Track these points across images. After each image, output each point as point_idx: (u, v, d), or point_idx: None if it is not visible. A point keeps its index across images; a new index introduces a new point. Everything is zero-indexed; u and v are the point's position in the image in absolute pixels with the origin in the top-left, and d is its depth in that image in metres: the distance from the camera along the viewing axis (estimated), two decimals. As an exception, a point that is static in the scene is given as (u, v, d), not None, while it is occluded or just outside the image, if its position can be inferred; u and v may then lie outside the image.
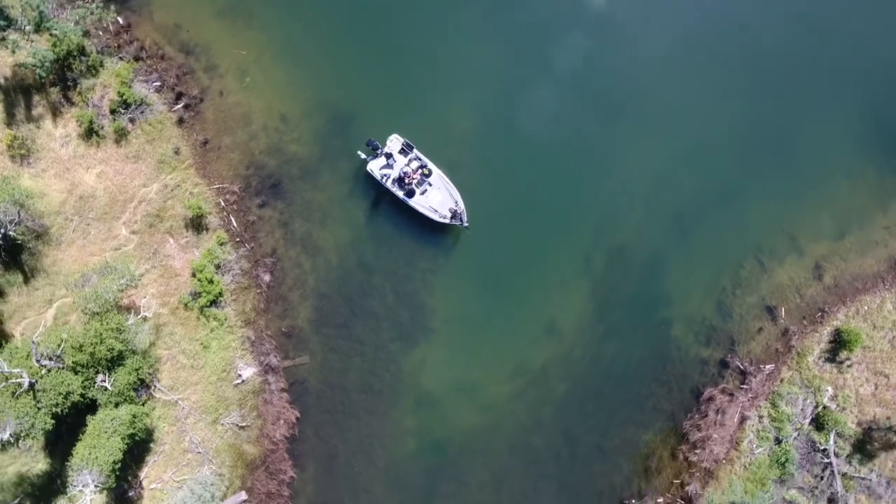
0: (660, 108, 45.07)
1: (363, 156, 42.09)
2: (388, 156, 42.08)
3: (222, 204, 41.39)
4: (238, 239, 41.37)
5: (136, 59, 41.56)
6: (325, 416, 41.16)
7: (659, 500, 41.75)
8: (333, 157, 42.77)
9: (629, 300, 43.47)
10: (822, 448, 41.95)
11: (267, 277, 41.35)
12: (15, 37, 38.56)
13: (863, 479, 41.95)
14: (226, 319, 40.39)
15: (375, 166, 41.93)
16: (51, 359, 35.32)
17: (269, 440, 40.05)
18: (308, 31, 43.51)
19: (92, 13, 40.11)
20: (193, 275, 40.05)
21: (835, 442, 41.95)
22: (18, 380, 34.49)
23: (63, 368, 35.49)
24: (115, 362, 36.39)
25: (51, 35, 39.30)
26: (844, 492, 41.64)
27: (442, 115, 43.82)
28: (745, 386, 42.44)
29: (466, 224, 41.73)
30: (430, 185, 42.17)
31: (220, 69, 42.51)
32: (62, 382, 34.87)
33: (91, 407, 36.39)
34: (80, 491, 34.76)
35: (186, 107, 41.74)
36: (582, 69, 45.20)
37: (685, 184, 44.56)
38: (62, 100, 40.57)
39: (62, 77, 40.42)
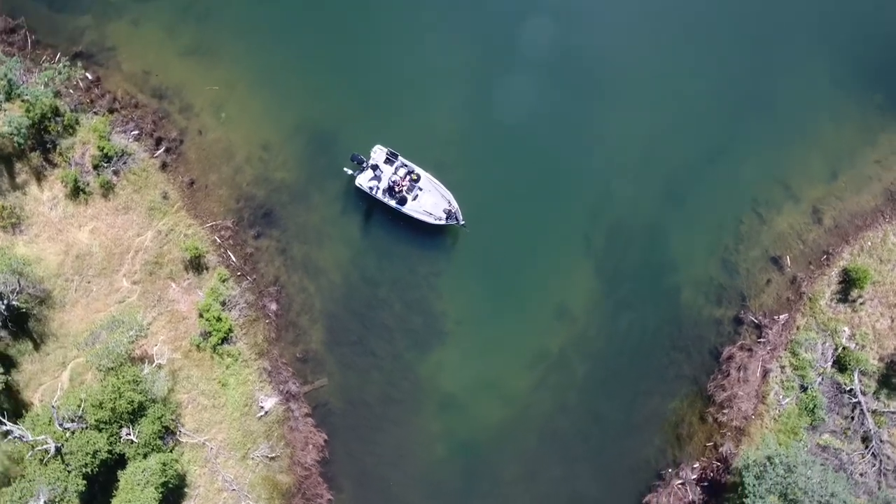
0: (635, 77, 45.03)
1: (350, 171, 42.12)
2: (375, 167, 42.11)
3: (218, 241, 41.42)
4: (239, 273, 41.39)
5: (111, 111, 41.58)
6: (353, 434, 41.18)
7: (695, 466, 41.77)
8: (320, 177, 42.78)
9: (634, 272, 43.44)
10: (847, 389, 41.95)
11: (274, 306, 41.38)
12: (-16, 109, 38.74)
13: (893, 413, 41.94)
14: (239, 354, 40.42)
15: (364, 180, 41.96)
16: (73, 420, 35.39)
17: (301, 467, 40.06)
18: (275, 57, 43.51)
19: (60, 73, 40.15)
20: (201, 315, 40.08)
21: (860, 380, 41.93)
22: (44, 447, 34.57)
23: (87, 428, 35.57)
24: (137, 414, 36.45)
25: (23, 101, 39.33)
26: (877, 428, 41.64)
27: (421, 118, 43.84)
28: (762, 339, 42.42)
29: (463, 222, 41.76)
30: (421, 189, 42.20)
31: (194, 108, 42.52)
32: (88, 442, 34.94)
33: (120, 461, 36.43)
34: (121, 546, 34.92)
35: (167, 151, 41.77)
36: (551, 51, 45.10)
37: (672, 149, 44.51)
38: (44, 163, 40.58)
39: (41, 140, 40.44)
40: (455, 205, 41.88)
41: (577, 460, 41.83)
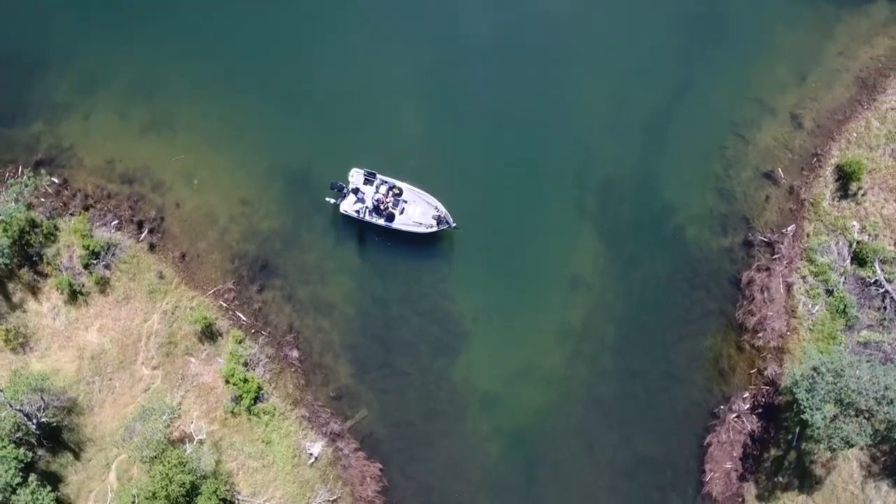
0: (584, 36, 45.24)
1: (332, 200, 42.06)
2: (356, 191, 42.04)
3: (224, 305, 41.31)
4: (253, 330, 41.28)
5: (86, 208, 41.45)
6: (405, 456, 41.03)
7: (745, 396, 41.64)
8: (306, 216, 42.70)
9: (635, 226, 43.43)
10: (872, 281, 41.82)
11: (295, 353, 41.29)
12: (-37, 239, 38.65)
13: (922, 292, 41.92)
14: (275, 409, 40.29)
15: (348, 205, 41.89)
16: (132, 518, 35.37)
17: (364, 502, 39.92)
18: (229, 112, 43.39)
19: (27, 185, 40.04)
20: (227, 382, 39.94)
21: (882, 270, 41.80)
22: (111, 551, 34.57)
23: (147, 522, 35.54)
24: (191, 494, 36.31)
25: (-1, 223, 39.38)
26: (911, 310, 41.63)
27: (387, 132, 43.76)
28: (776, 256, 42.32)
29: (454, 224, 41.66)
30: (406, 202, 42.12)
31: (166, 183, 42.38)
32: (153, 535, 34.94)
33: (189, 544, 36.45)
34: None
35: (151, 231, 41.66)
36: (495, 33, 45.20)
37: (639, 97, 44.70)
38: (35, 276, 40.44)
39: (25, 255, 40.32)
40: (443, 209, 41.77)
41: (629, 422, 41.70)
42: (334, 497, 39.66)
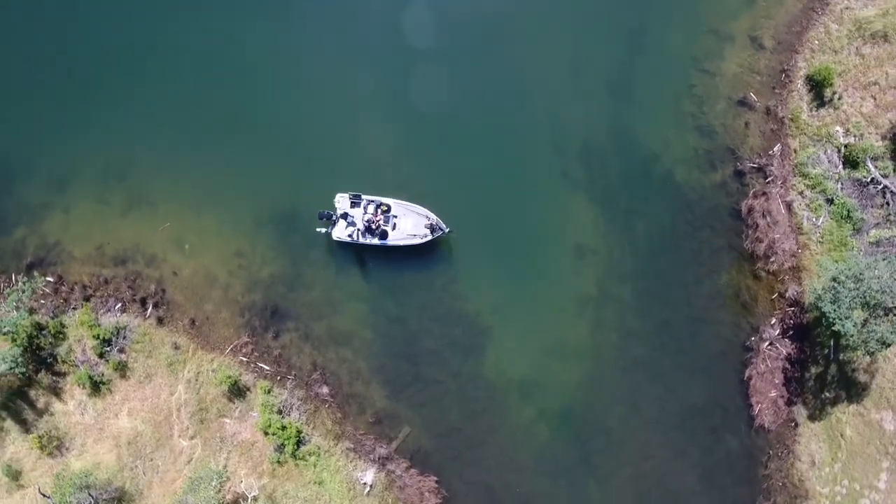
0: (531, 11, 45.10)
1: (324, 230, 41.95)
2: (345, 215, 41.94)
3: (244, 359, 41.21)
4: (279, 377, 41.19)
5: (87, 299, 41.33)
6: (458, 462, 40.96)
7: (773, 322, 41.64)
8: (302, 252, 42.55)
9: (624, 182, 43.40)
10: (868, 180, 41.84)
11: (325, 390, 41.19)
12: (-25, 358, 38.56)
13: (919, 179, 41.93)
14: (319, 448, 40.23)
15: (340, 232, 41.79)
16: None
17: (417, 515, 40.04)
18: (202, 172, 43.05)
19: (24, 291, 39.88)
20: (266, 433, 39.84)
21: (875, 167, 41.84)
22: None
23: (221, 590, 35.47)
24: (260, 552, 36.36)
25: (4, 335, 39.16)
26: (913, 199, 41.64)
27: (360, 152, 43.56)
28: (769, 179, 42.32)
29: (448, 229, 41.62)
30: (396, 216, 42.04)
31: (158, 256, 42.19)
32: None
33: None
34: None
35: (156, 306, 41.53)
36: (442, 27, 45.03)
37: (597, 56, 44.76)
38: (54, 377, 40.35)
39: (39, 359, 40.24)
40: (433, 216, 41.70)
41: (668, 374, 41.71)
42: (397, 520, 39.72)
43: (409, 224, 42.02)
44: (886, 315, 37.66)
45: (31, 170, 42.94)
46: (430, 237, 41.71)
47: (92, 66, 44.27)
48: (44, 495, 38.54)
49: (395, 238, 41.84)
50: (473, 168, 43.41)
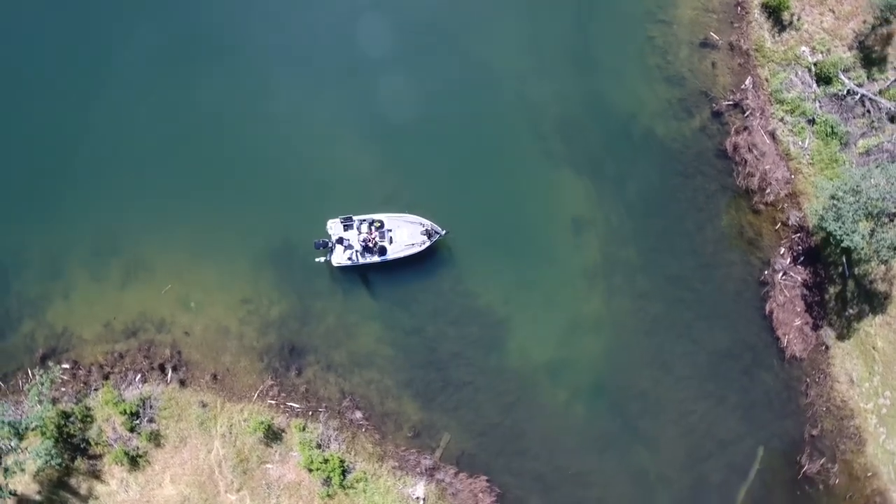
0: (481, 4, 45.28)
1: (323, 259, 41.85)
2: (340, 240, 41.84)
3: (273, 402, 41.15)
4: (310, 412, 41.12)
5: (106, 377, 41.21)
6: (504, 457, 40.92)
7: (782, 252, 41.65)
8: (306, 285, 42.39)
9: (606, 147, 43.44)
10: (845, 93, 41.82)
11: (359, 414, 41.13)
12: (11, 460, 38.40)
13: (893, 80, 41.82)
14: (365, 473, 40.17)
15: (339, 257, 41.71)
16: None
17: (486, 518, 40.00)
18: (191, 227, 42.66)
19: (42, 384, 39.79)
20: (309, 470, 39.76)
21: (848, 79, 41.80)
22: None
23: None
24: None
25: (33, 430, 39.14)
26: (891, 101, 41.50)
27: (342, 173, 43.30)
28: (747, 113, 42.33)
29: (444, 231, 41.59)
30: (390, 230, 41.97)
31: (167, 319, 42.03)
32: None
33: None
34: None
35: (175, 369, 41.44)
36: (393, 35, 44.93)
37: (552, 31, 44.73)
38: (90, 461, 40.22)
39: (72, 447, 40.12)
40: (427, 222, 41.66)
41: (690, 326, 41.81)
42: (458, 526, 39.69)
43: (405, 234, 41.97)
44: (892, 221, 37.67)
45: (23, 262, 42.62)
46: (428, 243, 41.66)
47: (58, 148, 43.79)
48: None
49: (395, 251, 41.79)
50: (456, 166, 43.35)
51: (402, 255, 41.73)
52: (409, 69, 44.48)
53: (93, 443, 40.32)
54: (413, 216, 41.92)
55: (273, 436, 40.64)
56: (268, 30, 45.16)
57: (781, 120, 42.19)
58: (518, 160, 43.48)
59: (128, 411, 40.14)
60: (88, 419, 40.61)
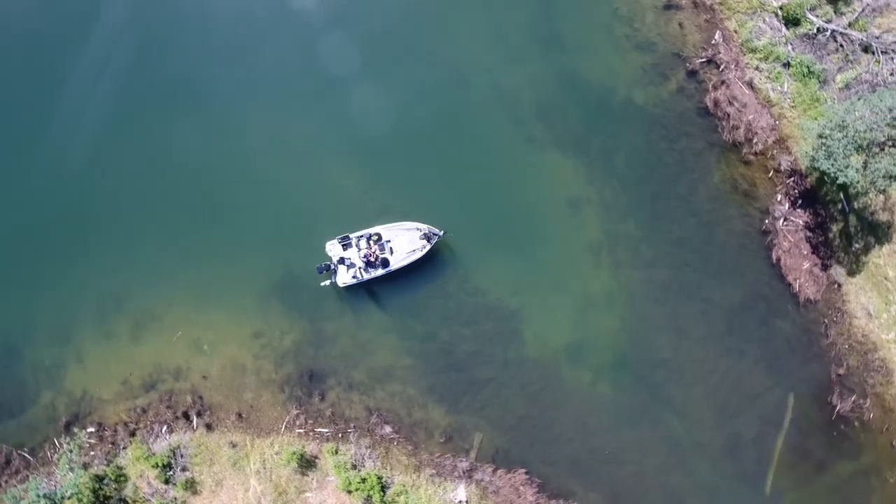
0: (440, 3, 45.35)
1: (327, 282, 41.80)
2: (342, 260, 41.80)
3: (301, 431, 41.07)
4: (340, 434, 41.05)
5: (132, 434, 41.08)
6: (537, 447, 40.85)
7: (778, 199, 41.67)
8: (315, 310, 42.23)
9: (588, 124, 43.56)
10: (815, 31, 41.83)
11: (388, 429, 41.07)
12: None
13: (860, 10, 41.79)
14: (404, 486, 40.10)
15: (344, 277, 41.66)
16: None
17: (528, 511, 40.01)
18: (191, 272, 42.48)
19: (71, 451, 39.75)
20: (349, 492, 39.67)
21: (816, 17, 41.77)
22: None
23: None
24: None
25: (69, 499, 39.03)
26: (863, 33, 41.51)
27: (330, 193, 43.28)
28: (722, 67, 42.37)
29: (442, 232, 41.60)
30: (389, 241, 41.92)
31: (182, 366, 41.87)
32: None
33: None
34: None
35: (199, 414, 41.34)
36: (361, 43, 44.93)
37: (515, 19, 44.91)
38: (131, 520, 40.41)
39: (109, 510, 40.30)
40: (424, 225, 41.64)
41: (700, 287, 41.85)
42: (503, 525, 39.70)
43: (405, 242, 41.92)
44: (882, 150, 37.64)
45: (32, 334, 42.48)
46: (428, 246, 41.62)
47: (47, 218, 43.74)
48: None
49: (397, 260, 41.75)
50: (443, 168, 43.33)
51: (405, 263, 41.69)
52: (379, 81, 44.41)
53: (130, 501, 40.23)
54: (409, 223, 41.88)
55: (307, 464, 40.59)
56: (231, 68, 45.09)
57: (756, 68, 42.17)
58: (503, 151, 43.47)
59: (160, 464, 40.07)
60: (122, 478, 40.51)
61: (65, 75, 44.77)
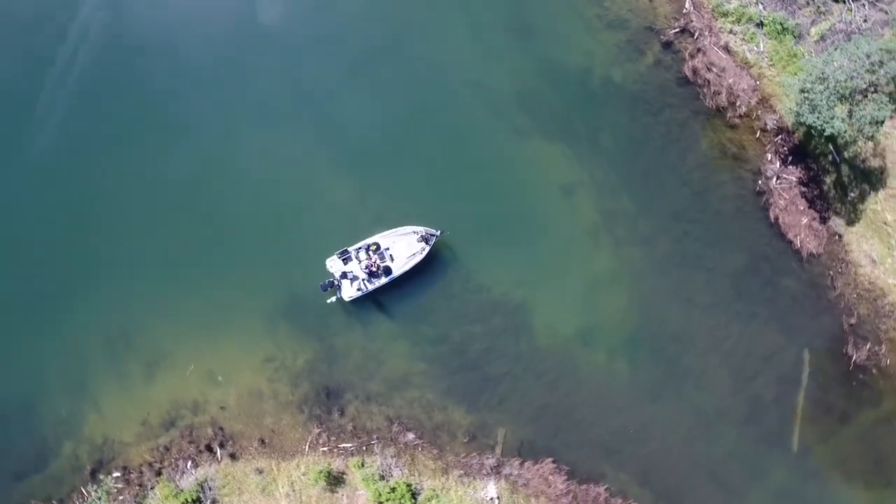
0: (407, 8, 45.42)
1: (333, 298, 41.77)
2: (344, 275, 41.78)
3: (325, 449, 41.04)
4: (364, 447, 41.02)
5: (158, 473, 40.92)
6: (560, 435, 40.86)
7: (769, 158, 41.79)
8: (323, 327, 42.16)
9: (570, 109, 43.77)
10: (782, -18, 41.96)
11: (411, 436, 41.06)
12: None
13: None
14: (434, 491, 40.04)
15: (349, 291, 41.63)
16: None
17: (564, 496, 39.84)
18: (194, 305, 42.22)
19: (99, 499, 39.56)
20: (380, 503, 39.85)
21: (783, -34, 41.95)
22: None
23: None
24: None
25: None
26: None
27: (322, 211, 43.24)
28: (696, 35, 42.45)
29: (439, 231, 41.66)
30: (388, 248, 41.93)
31: (199, 399, 41.70)
32: None
33: None
34: None
35: (222, 445, 41.19)
36: (340, 57, 45.00)
37: (484, 14, 45.05)
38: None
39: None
40: (420, 228, 41.68)
41: (702, 256, 42.13)
42: (538, 515, 39.76)
43: (404, 247, 41.95)
44: (865, 96, 37.70)
45: (45, 387, 42.17)
46: (427, 248, 41.66)
47: (47, 265, 43.61)
48: None
49: (399, 266, 41.76)
50: (432, 169, 43.37)
51: (407, 267, 41.71)
52: (359, 91, 44.48)
53: (167, 547, 40.27)
54: (404, 227, 41.89)
55: (335, 480, 40.56)
56: (210, 93, 45.04)
57: (730, 32, 42.26)
58: (490, 146, 43.50)
59: (189, 500, 39.97)
60: (154, 525, 40.58)
61: (45, 116, 44.74)
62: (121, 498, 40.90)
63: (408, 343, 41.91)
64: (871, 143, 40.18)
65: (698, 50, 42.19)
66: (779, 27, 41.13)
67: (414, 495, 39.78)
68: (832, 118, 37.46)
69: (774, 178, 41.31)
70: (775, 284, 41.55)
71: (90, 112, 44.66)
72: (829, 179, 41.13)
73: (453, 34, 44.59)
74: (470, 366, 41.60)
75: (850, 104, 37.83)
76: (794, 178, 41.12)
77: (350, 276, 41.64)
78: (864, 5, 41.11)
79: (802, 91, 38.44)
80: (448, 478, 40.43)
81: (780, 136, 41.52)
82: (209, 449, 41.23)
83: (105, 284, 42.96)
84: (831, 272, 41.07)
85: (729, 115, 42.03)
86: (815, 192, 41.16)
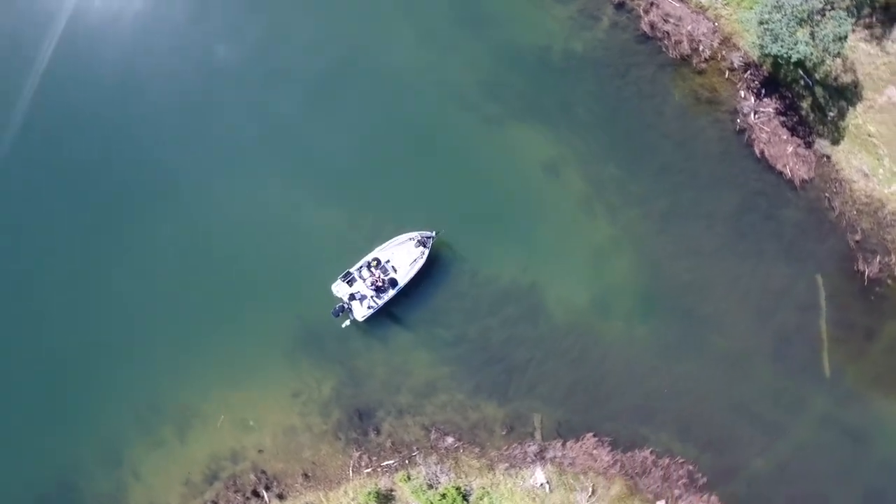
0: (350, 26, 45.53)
1: (347, 322, 41.76)
2: (352, 297, 41.84)
3: (368, 470, 41.14)
4: (406, 460, 41.14)
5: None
6: (596, 408, 41.01)
7: (742, 95, 41.89)
8: (342, 351, 42.20)
9: (538, 88, 43.62)
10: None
11: (450, 440, 41.16)
12: None
13: None
14: (483, 489, 40.13)
15: (361, 311, 41.69)
16: None
17: (611, 466, 39.96)
18: (212, 356, 42.10)
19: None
20: (434, 514, 40.04)
21: (716, -90, 42.05)
22: None
23: None
24: None
25: None
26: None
27: (316, 238, 43.28)
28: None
29: (434, 232, 41.79)
30: (388, 260, 42.04)
31: (236, 448, 41.64)
32: None
33: None
34: None
35: (267, 488, 40.77)
36: (297, 86, 45.06)
37: (432, 16, 44.98)
38: None
39: None
40: (414, 233, 41.80)
41: (698, 204, 42.32)
42: (590, 490, 39.77)
43: (403, 255, 42.05)
44: (823, 15, 37.86)
45: (81, 466, 42.19)
46: (426, 250, 41.78)
47: (61, 349, 43.71)
48: None
49: (404, 275, 41.84)
50: (412, 175, 43.28)
51: (412, 274, 41.79)
52: (327, 116, 44.08)
53: None
54: (399, 236, 41.97)
55: (385, 499, 40.63)
56: (182, 152, 44.58)
57: (687, -17, 42.48)
58: (466, 139, 43.45)
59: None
60: None
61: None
62: None
63: (428, 350, 42.02)
64: (839, 60, 40.27)
65: (651, 4, 42.27)
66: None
67: (465, 497, 39.90)
68: (796, 43, 37.59)
69: (752, 114, 41.41)
70: (775, 217, 41.66)
71: (66, 191, 44.64)
72: (805, 104, 41.22)
73: (405, 40, 44.45)
74: (493, 359, 41.72)
75: (811, 26, 37.97)
76: (771, 110, 41.22)
77: (358, 296, 41.73)
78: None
79: (761, 23, 38.57)
80: (495, 473, 40.54)
81: (748, 72, 41.60)
82: (256, 494, 41.29)
83: (122, 357, 42.51)
84: (827, 194, 41.17)
85: (695, 61, 42.12)
86: (795, 120, 41.24)
